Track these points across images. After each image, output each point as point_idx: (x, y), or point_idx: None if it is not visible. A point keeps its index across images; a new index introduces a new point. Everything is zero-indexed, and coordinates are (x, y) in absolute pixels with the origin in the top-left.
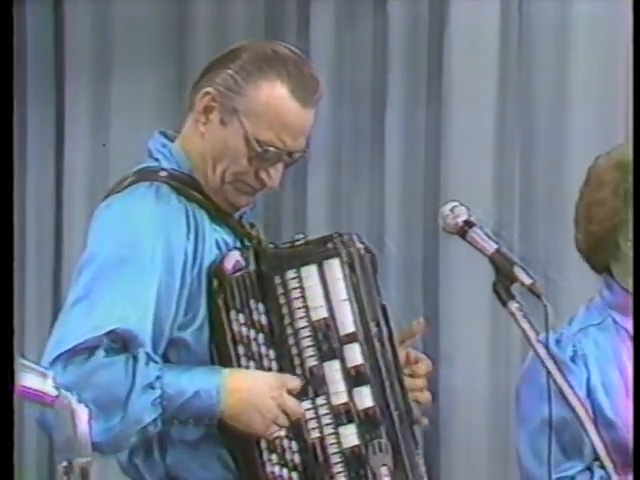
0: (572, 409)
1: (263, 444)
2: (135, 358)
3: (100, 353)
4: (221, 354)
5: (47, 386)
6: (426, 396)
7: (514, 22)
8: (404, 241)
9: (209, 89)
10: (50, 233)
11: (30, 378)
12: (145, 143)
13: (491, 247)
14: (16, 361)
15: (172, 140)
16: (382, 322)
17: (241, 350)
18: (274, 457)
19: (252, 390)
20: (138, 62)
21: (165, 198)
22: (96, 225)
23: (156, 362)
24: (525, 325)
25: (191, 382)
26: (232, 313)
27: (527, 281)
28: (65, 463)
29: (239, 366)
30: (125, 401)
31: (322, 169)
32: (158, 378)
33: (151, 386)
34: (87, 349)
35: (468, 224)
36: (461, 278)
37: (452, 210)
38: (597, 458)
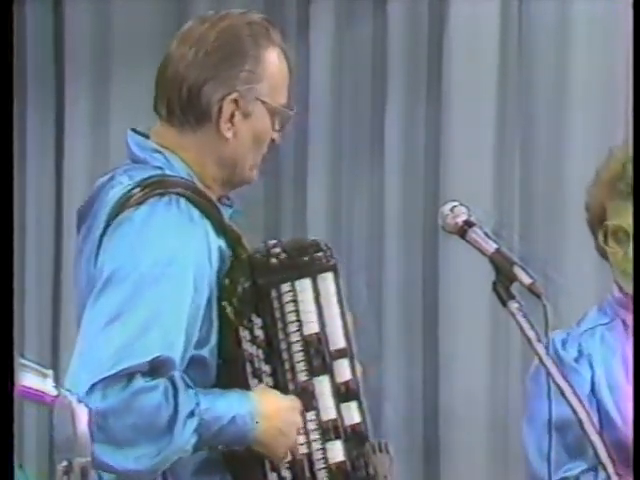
0: (573, 410)
1: (267, 465)
2: (173, 383)
3: (139, 378)
4: (232, 373)
5: (47, 386)
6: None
7: (514, 22)
8: (404, 241)
9: (234, 95)
10: (50, 233)
11: (30, 378)
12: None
13: (491, 247)
14: (16, 361)
15: (145, 135)
16: None
17: (249, 368)
18: (274, 476)
19: (281, 416)
20: (138, 62)
21: (186, 213)
22: (119, 239)
23: (191, 387)
24: (525, 325)
25: (227, 408)
26: (241, 330)
27: (527, 281)
28: (65, 463)
29: (247, 384)
30: (169, 428)
31: (322, 169)
32: (197, 404)
33: (192, 414)
34: (127, 375)
35: (468, 224)
36: (461, 278)
37: (452, 210)
38: (599, 460)
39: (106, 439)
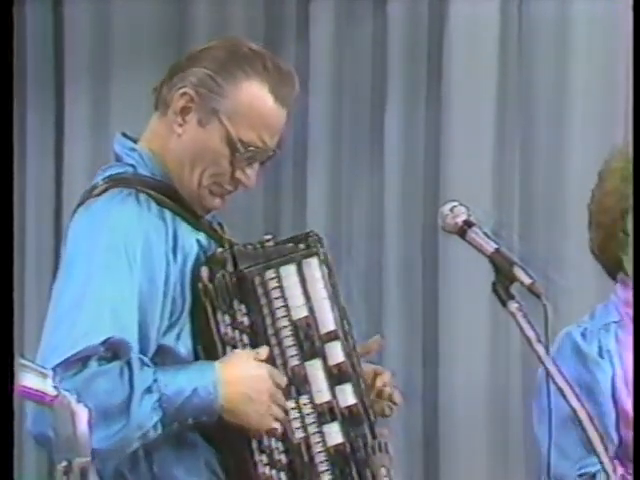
0: (572, 409)
1: (254, 445)
2: (129, 364)
3: (94, 362)
4: (209, 356)
5: (47, 386)
6: (396, 396)
7: (514, 22)
8: (404, 241)
9: (186, 89)
10: (50, 233)
11: (30, 378)
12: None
13: (491, 247)
14: (16, 361)
15: (135, 141)
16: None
17: (229, 351)
18: (264, 458)
19: (246, 382)
20: (138, 62)
21: (145, 205)
22: (77, 228)
23: (149, 366)
24: (525, 325)
25: (188, 380)
26: (219, 314)
27: (527, 281)
28: (65, 463)
29: None
30: (126, 408)
31: (322, 169)
32: (155, 381)
33: (149, 390)
34: (82, 359)
35: (467, 224)
36: (461, 278)
37: (452, 210)
38: (598, 460)
39: None
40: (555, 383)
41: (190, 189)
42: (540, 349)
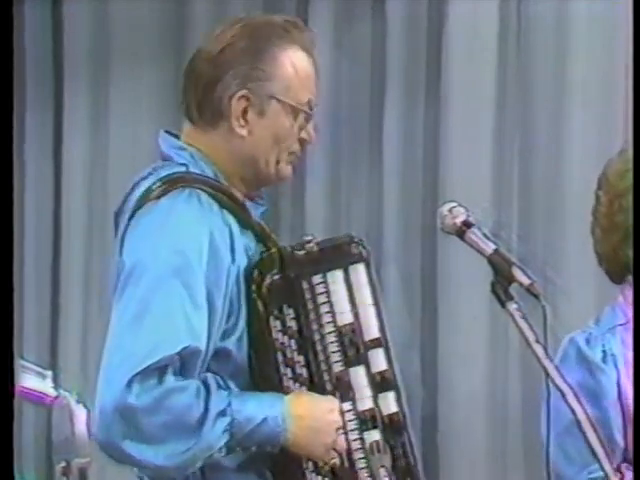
0: (572, 411)
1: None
2: (206, 383)
3: (170, 375)
4: (262, 362)
5: (46, 387)
6: None
7: (513, 22)
8: (403, 241)
9: (243, 92)
10: (49, 233)
11: (29, 379)
12: (144, 142)
13: (489, 247)
14: (16, 362)
15: (178, 137)
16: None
17: (280, 358)
18: (310, 465)
19: (314, 416)
20: (137, 62)
21: (208, 206)
22: (138, 232)
23: (224, 388)
24: (524, 326)
25: (259, 409)
26: (271, 320)
27: (526, 281)
28: (63, 463)
29: (278, 373)
30: (199, 427)
31: (321, 169)
32: (229, 405)
33: (223, 413)
34: (159, 369)
35: (466, 224)
36: (460, 279)
37: (450, 210)
38: (598, 462)
39: (136, 436)
40: (555, 385)
41: (268, 171)
42: (539, 350)
